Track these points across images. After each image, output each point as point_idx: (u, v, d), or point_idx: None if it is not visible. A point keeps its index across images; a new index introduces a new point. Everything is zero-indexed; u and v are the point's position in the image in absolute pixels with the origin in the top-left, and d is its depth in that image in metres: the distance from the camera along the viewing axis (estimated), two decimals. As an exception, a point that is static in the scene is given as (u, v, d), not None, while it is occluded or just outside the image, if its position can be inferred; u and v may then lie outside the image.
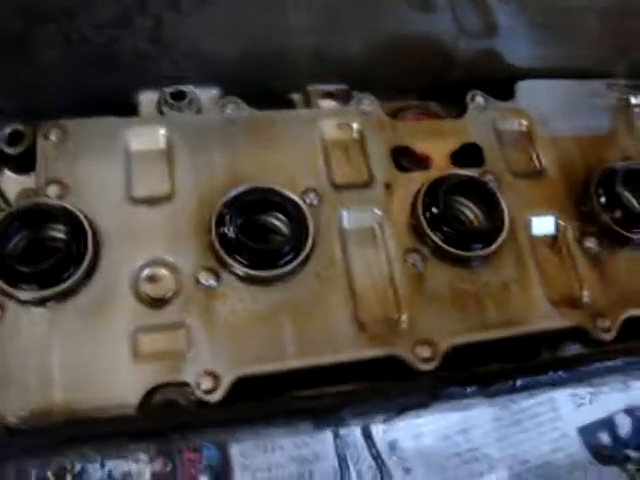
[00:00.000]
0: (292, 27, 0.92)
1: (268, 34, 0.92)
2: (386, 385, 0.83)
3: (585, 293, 0.91)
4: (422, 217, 0.87)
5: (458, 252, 0.87)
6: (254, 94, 0.95)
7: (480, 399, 0.83)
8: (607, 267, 0.94)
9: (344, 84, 1.00)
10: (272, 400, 0.79)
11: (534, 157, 0.99)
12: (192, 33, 0.89)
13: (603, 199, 0.94)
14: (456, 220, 0.90)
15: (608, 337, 0.89)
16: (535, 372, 0.83)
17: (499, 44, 1.02)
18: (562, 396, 1.05)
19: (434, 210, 0.87)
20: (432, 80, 1.03)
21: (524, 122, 1.01)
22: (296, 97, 0.99)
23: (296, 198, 0.86)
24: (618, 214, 0.94)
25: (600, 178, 0.95)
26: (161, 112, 0.92)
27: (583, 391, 1.05)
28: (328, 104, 0.98)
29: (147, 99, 0.95)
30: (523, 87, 1.02)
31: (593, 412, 1.07)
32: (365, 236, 0.89)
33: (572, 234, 0.94)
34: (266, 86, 0.97)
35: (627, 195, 0.99)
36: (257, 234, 0.85)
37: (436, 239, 0.86)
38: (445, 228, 0.87)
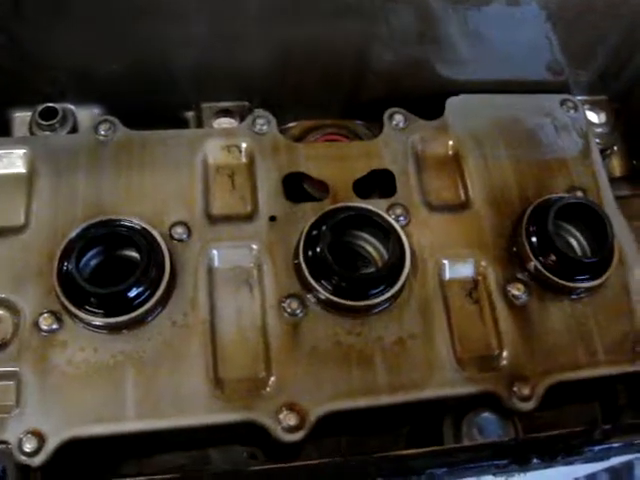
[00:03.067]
0: (177, 39, 0.81)
1: (149, 47, 0.82)
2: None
3: (504, 353, 0.76)
4: (304, 258, 0.75)
5: (347, 302, 0.74)
6: (145, 113, 0.85)
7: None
8: (535, 321, 0.78)
9: (247, 100, 0.89)
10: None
11: (460, 186, 0.84)
12: (59, 48, 0.80)
13: (534, 239, 0.79)
14: (347, 262, 0.77)
15: (526, 407, 0.74)
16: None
17: (431, 54, 0.89)
18: None
19: (318, 250, 0.75)
20: (352, 95, 0.90)
21: (451, 144, 0.86)
22: (189, 115, 0.88)
23: (154, 231, 0.74)
24: (551, 258, 0.78)
25: (532, 214, 0.80)
26: (32, 132, 0.84)
27: None
28: (224, 123, 0.87)
29: (21, 119, 0.86)
30: (454, 103, 0.88)
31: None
32: (239, 278, 0.76)
33: (496, 280, 0.80)
34: (156, 104, 0.87)
35: (565, 235, 0.84)
36: (113, 272, 0.75)
37: (319, 288, 0.73)
38: (333, 273, 0.74)
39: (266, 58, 0.85)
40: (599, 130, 0.94)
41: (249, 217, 0.79)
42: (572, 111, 0.91)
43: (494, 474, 0.66)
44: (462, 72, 0.90)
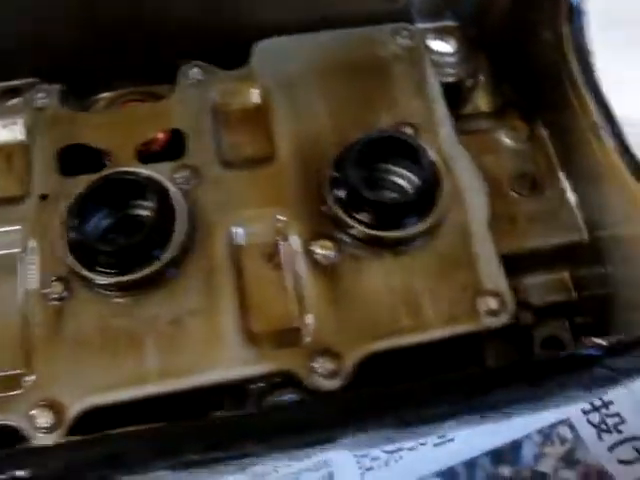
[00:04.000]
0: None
1: None
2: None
3: (307, 323, 0.64)
4: (69, 238, 0.65)
5: (105, 279, 0.64)
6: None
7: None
8: (346, 283, 0.66)
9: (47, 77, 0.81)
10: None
11: (265, 139, 0.73)
12: None
13: (339, 187, 0.67)
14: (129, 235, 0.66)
15: (332, 385, 0.61)
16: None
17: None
18: (343, 459, 0.75)
19: (73, 227, 0.65)
20: (159, 57, 0.81)
21: (257, 93, 0.76)
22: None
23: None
24: (359, 207, 0.66)
25: (338, 159, 0.68)
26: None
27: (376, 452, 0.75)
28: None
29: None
30: (263, 48, 0.77)
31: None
32: (5, 264, 0.68)
33: (299, 239, 0.68)
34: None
35: (392, 177, 0.71)
36: None
37: (73, 264, 0.64)
38: (95, 250, 0.64)
39: (62, 28, 0.78)
40: (449, 60, 0.80)
41: (21, 199, 0.70)
42: (407, 40, 0.78)
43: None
44: (278, 11, 0.79)
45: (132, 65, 0.81)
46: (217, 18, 0.79)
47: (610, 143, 0.67)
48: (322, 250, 0.66)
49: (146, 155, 0.73)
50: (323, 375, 0.62)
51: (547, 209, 0.74)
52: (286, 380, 0.63)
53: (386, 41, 0.78)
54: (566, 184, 0.75)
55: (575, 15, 0.71)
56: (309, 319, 0.64)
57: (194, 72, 0.75)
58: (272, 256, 0.68)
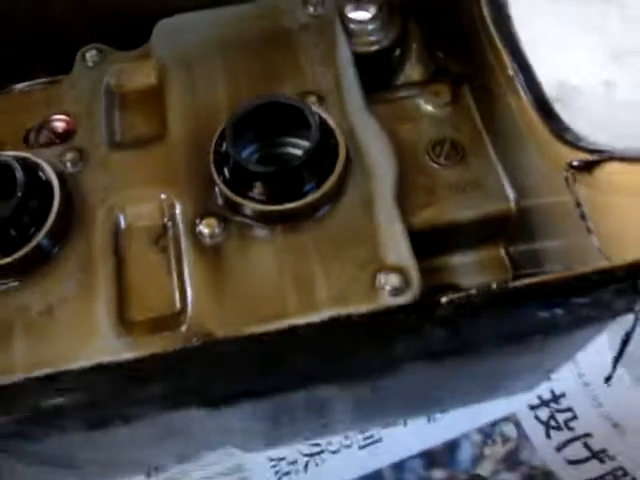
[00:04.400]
0: None
1: None
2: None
3: (188, 308, 0.58)
4: None
5: None
6: None
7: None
8: (232, 264, 0.59)
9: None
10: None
11: (159, 119, 0.69)
12: None
13: (223, 161, 0.61)
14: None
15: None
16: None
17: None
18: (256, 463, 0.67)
19: None
20: (52, 43, 0.77)
21: (154, 72, 0.71)
22: None
23: None
24: (240, 180, 0.60)
25: (222, 132, 0.63)
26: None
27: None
28: None
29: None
30: (165, 26, 0.73)
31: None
32: None
33: (185, 219, 0.62)
34: None
35: (290, 148, 0.65)
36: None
37: None
38: None
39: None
40: (370, 27, 0.74)
41: None
42: (318, 8, 0.73)
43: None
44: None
45: (42, 54, 0.78)
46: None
47: (526, 97, 0.60)
48: (207, 229, 0.61)
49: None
50: (199, 364, 0.56)
51: (470, 178, 0.66)
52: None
53: (295, 10, 0.73)
54: (491, 150, 0.67)
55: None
56: (190, 303, 0.59)
57: (91, 54, 0.72)
58: (158, 239, 0.63)
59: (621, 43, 0.90)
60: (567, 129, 0.56)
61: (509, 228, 0.66)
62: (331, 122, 0.63)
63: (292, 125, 0.63)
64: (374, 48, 0.75)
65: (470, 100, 0.70)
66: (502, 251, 0.68)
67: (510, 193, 0.65)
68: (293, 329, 0.43)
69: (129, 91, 0.71)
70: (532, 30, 0.76)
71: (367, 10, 0.76)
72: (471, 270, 0.68)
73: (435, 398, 0.62)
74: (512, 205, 0.65)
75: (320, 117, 0.62)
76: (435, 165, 0.67)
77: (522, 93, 0.60)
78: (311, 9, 0.73)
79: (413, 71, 0.78)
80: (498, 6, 0.64)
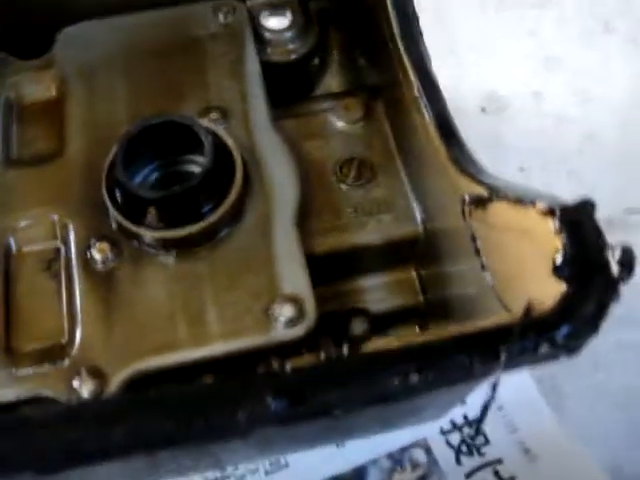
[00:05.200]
0: None
1: None
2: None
3: (76, 337, 0.55)
4: None
5: None
6: None
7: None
8: (123, 291, 0.57)
9: None
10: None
11: (58, 134, 0.65)
12: None
13: (118, 191, 0.58)
14: None
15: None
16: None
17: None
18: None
19: None
20: None
21: (55, 84, 0.68)
22: None
23: None
24: (132, 204, 0.57)
25: (113, 155, 0.60)
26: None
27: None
28: None
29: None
30: (68, 33, 0.69)
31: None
32: None
33: (78, 243, 0.60)
34: None
35: (192, 167, 0.62)
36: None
37: None
38: None
39: None
40: (286, 36, 0.71)
41: None
42: (229, 17, 0.70)
43: None
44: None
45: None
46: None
47: (429, 119, 0.57)
48: (99, 254, 0.59)
49: None
50: (85, 396, 0.54)
51: (379, 199, 0.64)
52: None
53: (205, 19, 0.70)
54: (402, 169, 0.65)
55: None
56: (77, 334, 0.57)
57: (-10, 64, 0.69)
58: (51, 263, 0.61)
59: (554, 50, 0.88)
60: (468, 158, 0.54)
61: (418, 251, 0.64)
62: (229, 141, 0.60)
63: (190, 143, 0.60)
64: (292, 57, 0.72)
65: (383, 116, 0.67)
66: (413, 273, 0.66)
67: (419, 215, 0.63)
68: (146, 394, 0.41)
69: (29, 104, 0.68)
70: (460, 36, 0.74)
71: (284, 16, 0.73)
72: (381, 293, 0.66)
73: (330, 437, 0.61)
74: (420, 228, 0.63)
75: (216, 136, 0.59)
76: (343, 186, 0.64)
77: (426, 114, 0.57)
78: (221, 17, 0.69)
79: (333, 81, 0.75)
80: (407, 22, 0.61)
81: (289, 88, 0.73)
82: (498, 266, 0.51)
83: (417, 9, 0.66)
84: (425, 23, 0.67)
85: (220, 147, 0.59)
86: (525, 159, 0.75)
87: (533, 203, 0.42)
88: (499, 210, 0.48)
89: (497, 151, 0.75)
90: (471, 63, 0.76)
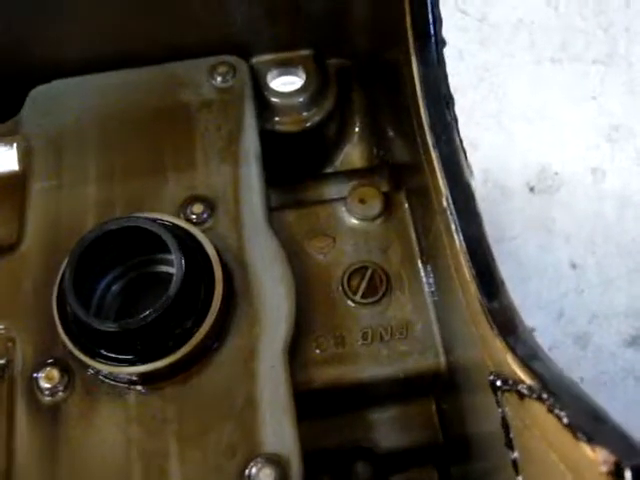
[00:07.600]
0: None
1: None
2: None
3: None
4: None
5: None
6: None
7: None
8: (69, 432, 0.46)
9: None
10: None
11: (17, 220, 0.55)
12: None
13: (68, 313, 0.48)
14: None
15: None
16: None
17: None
18: None
19: None
20: None
21: (19, 155, 0.57)
22: None
23: None
24: (82, 328, 0.47)
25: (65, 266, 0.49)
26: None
27: None
28: None
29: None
30: (39, 93, 0.59)
31: None
32: None
33: (24, 365, 0.50)
34: None
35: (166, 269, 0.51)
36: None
37: None
38: None
39: None
40: (299, 99, 0.59)
41: None
42: (228, 78, 0.58)
43: None
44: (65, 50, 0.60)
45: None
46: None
47: (460, 244, 0.45)
48: (47, 383, 0.49)
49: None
50: None
51: (394, 321, 0.52)
52: None
53: (199, 81, 0.58)
54: (424, 284, 0.53)
55: (427, 46, 0.49)
56: (16, 474, 0.47)
57: (-50, 128, 0.59)
58: (-6, 385, 0.51)
59: (620, 116, 0.72)
60: (508, 309, 0.41)
61: (439, 384, 0.52)
62: (209, 250, 0.49)
63: (159, 243, 0.49)
64: (304, 126, 0.60)
65: (406, 213, 0.55)
66: (432, 407, 0.54)
67: (441, 344, 0.51)
68: None
69: (-14, 178, 0.58)
70: (508, 100, 0.61)
71: (296, 75, 0.61)
72: (392, 428, 0.54)
73: None
74: (442, 361, 0.51)
75: (192, 244, 0.48)
76: (350, 303, 0.52)
77: (456, 238, 0.45)
78: (219, 80, 0.58)
79: (354, 151, 0.63)
80: (437, 98, 0.48)
81: (298, 162, 0.62)
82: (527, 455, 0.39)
83: (458, 60, 0.54)
84: (466, 82, 0.54)
85: (195, 260, 0.48)
86: (579, 252, 0.61)
87: (591, 441, 0.30)
88: (538, 412, 0.35)
89: (546, 240, 0.62)
90: (520, 131, 0.62)
